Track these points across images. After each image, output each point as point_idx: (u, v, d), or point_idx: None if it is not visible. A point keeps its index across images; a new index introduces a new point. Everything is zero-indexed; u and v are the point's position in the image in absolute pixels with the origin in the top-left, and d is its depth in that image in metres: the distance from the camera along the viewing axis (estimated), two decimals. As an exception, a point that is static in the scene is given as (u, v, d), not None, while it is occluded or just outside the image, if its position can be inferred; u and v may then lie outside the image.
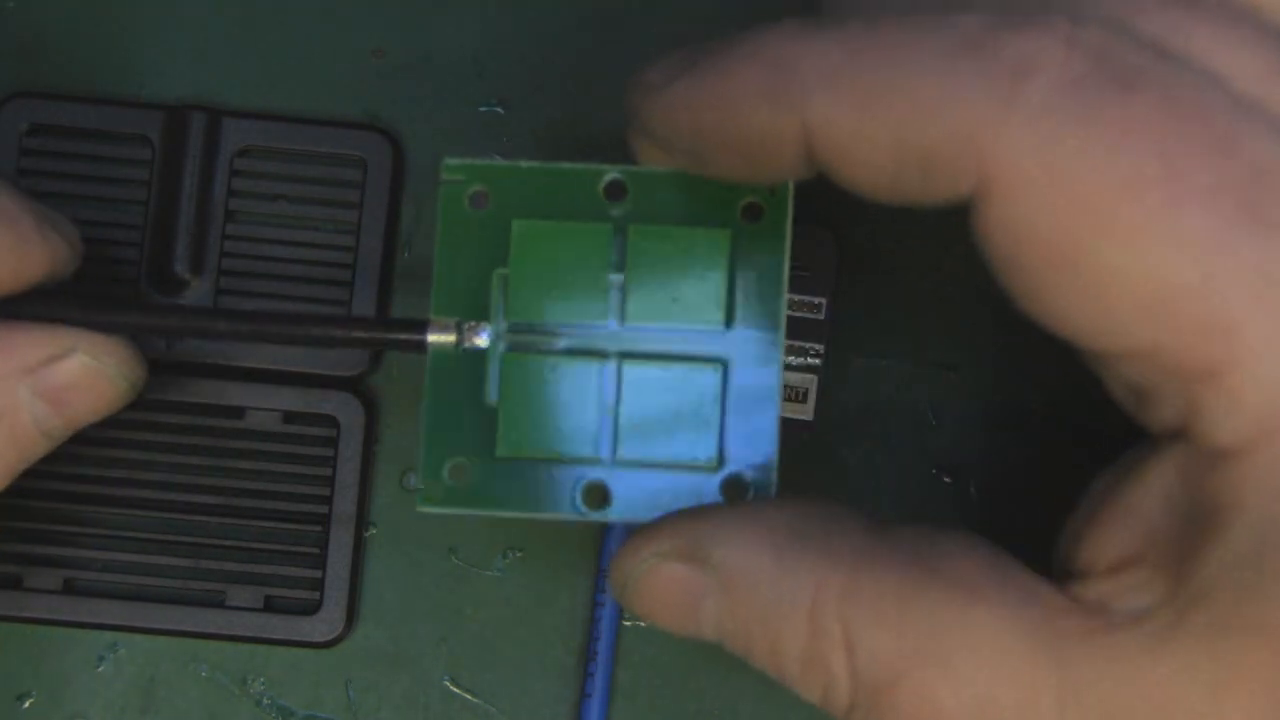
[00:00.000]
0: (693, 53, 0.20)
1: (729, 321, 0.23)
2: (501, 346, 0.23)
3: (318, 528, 0.28)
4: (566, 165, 0.23)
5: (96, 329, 0.24)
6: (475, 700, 0.29)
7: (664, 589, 0.21)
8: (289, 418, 0.28)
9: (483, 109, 0.29)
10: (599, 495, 0.23)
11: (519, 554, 0.29)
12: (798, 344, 0.28)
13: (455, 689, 0.29)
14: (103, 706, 0.28)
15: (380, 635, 0.29)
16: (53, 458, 0.26)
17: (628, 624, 0.29)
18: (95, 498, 0.28)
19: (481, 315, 0.23)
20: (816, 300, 0.28)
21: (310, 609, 0.28)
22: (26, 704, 0.28)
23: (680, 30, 0.30)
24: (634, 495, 0.23)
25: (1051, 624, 0.19)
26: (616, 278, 0.23)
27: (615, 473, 0.23)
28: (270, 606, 0.28)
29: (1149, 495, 0.19)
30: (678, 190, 0.23)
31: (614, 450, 0.23)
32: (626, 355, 0.23)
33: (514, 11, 0.30)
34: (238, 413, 0.28)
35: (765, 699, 0.28)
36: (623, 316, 0.23)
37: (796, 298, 0.28)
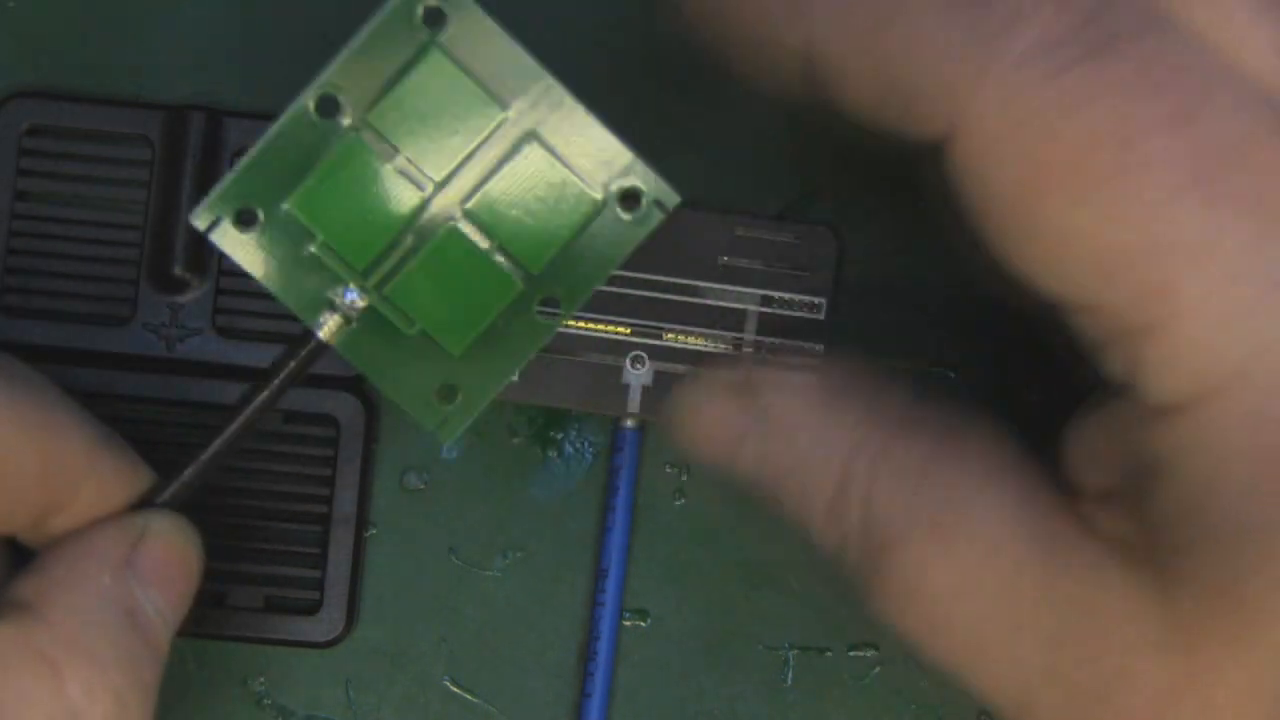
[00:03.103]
0: None
1: (501, 102, 0.23)
2: (359, 298, 0.23)
3: (318, 528, 0.28)
4: (273, 127, 0.23)
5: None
6: (475, 700, 0.29)
7: (713, 420, 0.23)
8: (289, 418, 0.28)
9: (483, 109, 0.29)
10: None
11: (519, 554, 0.29)
12: (798, 344, 0.28)
13: (455, 689, 0.29)
14: (103, 706, 0.28)
15: (380, 635, 0.29)
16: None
17: (628, 624, 0.29)
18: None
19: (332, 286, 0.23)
20: (816, 300, 0.28)
21: (310, 609, 0.28)
22: (26, 704, 0.28)
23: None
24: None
25: (1047, 525, 0.20)
26: (399, 162, 0.23)
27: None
28: (270, 606, 0.28)
29: (1108, 440, 0.20)
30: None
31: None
32: (453, 218, 0.23)
33: (514, 12, 0.29)
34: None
35: (765, 699, 0.29)
36: (467, 197, 0.23)
37: (797, 297, 0.28)
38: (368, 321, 0.24)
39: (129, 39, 0.29)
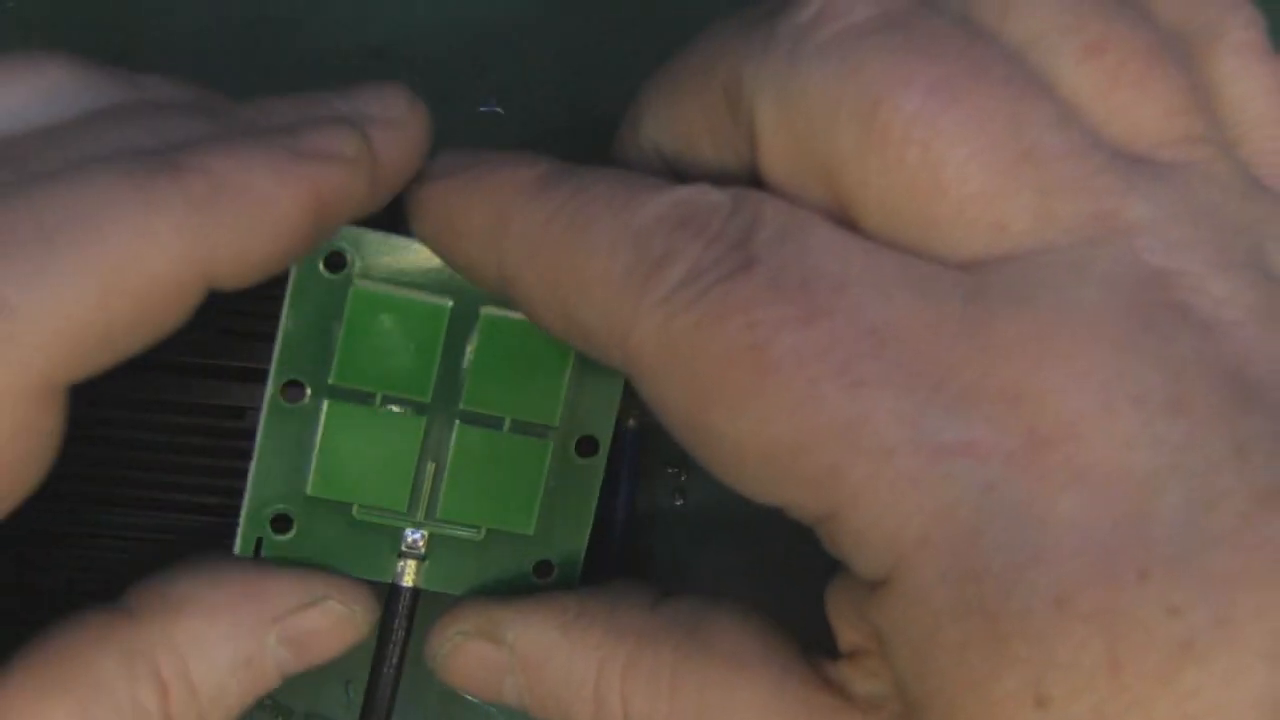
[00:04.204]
0: (466, 159, 0.22)
1: (441, 294, 0.23)
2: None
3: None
4: (257, 434, 0.24)
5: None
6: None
7: (468, 666, 0.24)
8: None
9: (483, 109, 0.29)
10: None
11: (519, 554, 0.29)
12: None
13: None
14: (103, 706, 0.28)
15: (380, 635, 0.29)
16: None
17: (628, 624, 0.29)
18: (96, 498, 0.28)
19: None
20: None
21: (310, 609, 0.28)
22: (26, 704, 0.28)
23: (681, 28, 0.30)
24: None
25: (806, 701, 0.21)
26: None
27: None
28: (270, 606, 0.28)
29: (851, 606, 0.21)
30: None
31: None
32: (461, 415, 0.24)
33: (514, 10, 0.30)
34: (238, 413, 0.28)
35: (765, 699, 0.29)
36: (459, 394, 0.24)
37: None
38: (438, 550, 0.24)
39: (128, 39, 0.29)
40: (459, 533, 0.24)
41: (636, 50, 0.30)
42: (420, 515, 0.24)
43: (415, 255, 0.23)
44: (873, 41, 0.19)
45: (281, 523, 0.24)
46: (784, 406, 0.18)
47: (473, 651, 0.24)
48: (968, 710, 0.18)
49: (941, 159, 0.18)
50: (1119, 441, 0.17)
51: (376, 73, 0.29)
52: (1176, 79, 0.20)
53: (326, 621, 0.24)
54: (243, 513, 0.24)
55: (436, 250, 0.23)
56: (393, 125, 0.22)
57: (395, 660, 0.24)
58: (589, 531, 0.24)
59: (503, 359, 0.23)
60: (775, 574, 0.28)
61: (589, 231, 0.20)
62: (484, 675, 0.23)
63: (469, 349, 0.23)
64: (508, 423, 0.24)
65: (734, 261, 0.19)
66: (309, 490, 0.24)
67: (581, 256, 0.20)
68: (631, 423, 0.28)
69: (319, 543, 0.24)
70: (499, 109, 0.29)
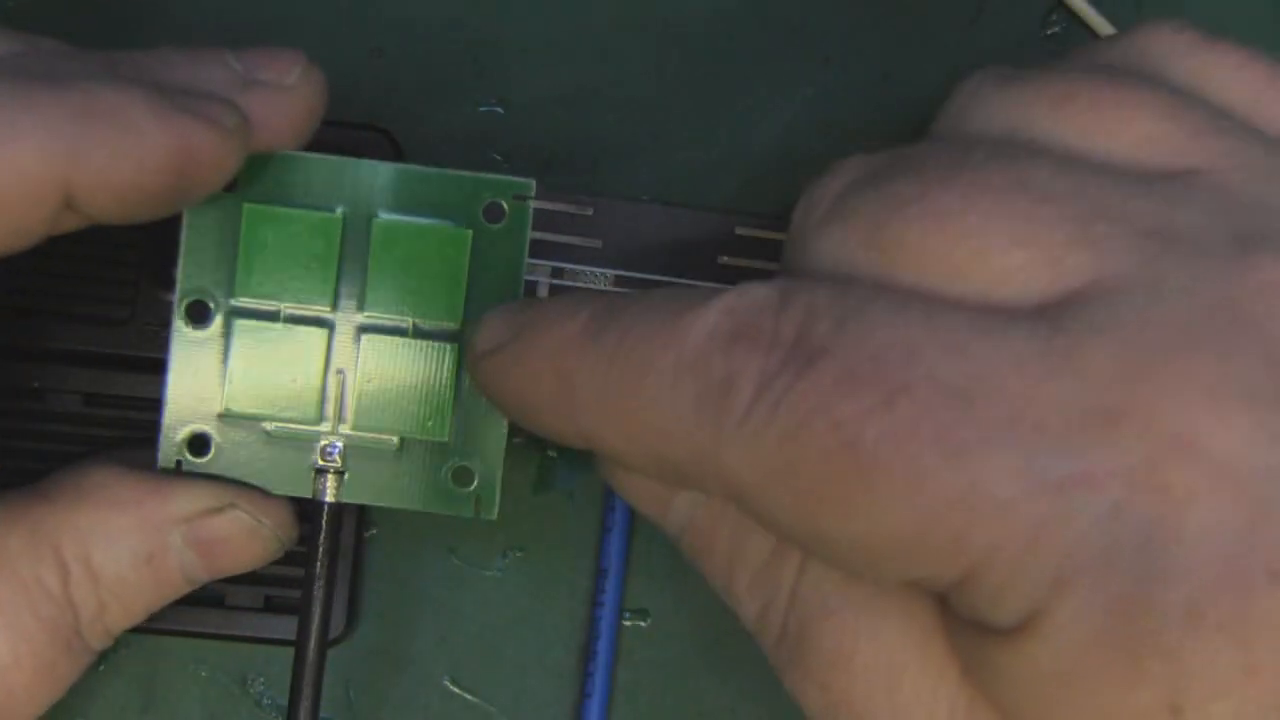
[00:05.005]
0: (514, 319, 0.22)
1: (328, 207, 0.24)
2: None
3: (318, 528, 0.28)
4: (168, 358, 0.24)
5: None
6: (475, 700, 0.29)
7: (637, 486, 0.23)
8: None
9: (483, 109, 0.29)
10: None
11: (519, 554, 0.29)
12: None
13: (455, 689, 0.29)
14: (102, 706, 0.28)
15: (380, 635, 0.29)
16: (52, 457, 0.26)
17: (628, 624, 0.29)
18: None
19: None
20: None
21: (310, 609, 0.28)
22: (27, 704, 0.28)
23: (679, 28, 0.30)
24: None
25: (965, 645, 0.20)
26: (286, 313, 0.24)
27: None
28: (270, 606, 0.28)
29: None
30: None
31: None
32: (364, 323, 0.24)
33: (513, 11, 0.30)
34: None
35: (765, 700, 0.28)
36: (360, 303, 0.24)
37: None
38: (355, 461, 0.24)
39: (128, 39, 0.29)
40: (374, 443, 0.24)
41: (636, 49, 0.30)
42: (333, 428, 0.24)
43: (305, 170, 0.24)
44: (859, 195, 0.20)
45: (199, 444, 0.24)
46: (893, 496, 0.18)
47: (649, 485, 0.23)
48: None
49: (967, 237, 0.19)
50: (1236, 442, 0.17)
51: (377, 72, 0.29)
52: (1154, 96, 0.20)
53: (233, 529, 0.24)
54: (160, 435, 0.24)
55: (521, 426, 0.23)
56: (282, 90, 0.23)
57: (323, 572, 0.24)
58: (506, 436, 0.24)
59: (400, 264, 0.24)
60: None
61: (648, 371, 0.20)
62: (657, 488, 0.23)
63: (366, 257, 0.24)
64: (411, 327, 0.24)
65: (800, 360, 0.18)
66: (222, 409, 0.24)
67: (649, 397, 0.20)
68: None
69: (237, 461, 0.24)
70: (499, 109, 0.29)
